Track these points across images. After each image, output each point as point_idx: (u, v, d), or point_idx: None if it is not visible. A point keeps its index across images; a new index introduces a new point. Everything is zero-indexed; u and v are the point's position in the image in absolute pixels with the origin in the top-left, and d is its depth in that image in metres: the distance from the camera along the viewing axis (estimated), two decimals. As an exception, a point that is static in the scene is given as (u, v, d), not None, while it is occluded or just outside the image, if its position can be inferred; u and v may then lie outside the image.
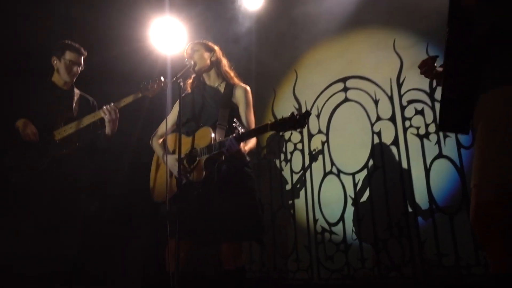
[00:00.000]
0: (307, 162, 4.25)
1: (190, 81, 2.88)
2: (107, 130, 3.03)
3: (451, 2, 1.63)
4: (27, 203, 2.83)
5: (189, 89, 2.86)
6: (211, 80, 2.80)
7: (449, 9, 1.63)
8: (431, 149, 3.50)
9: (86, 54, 3.20)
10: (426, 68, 1.93)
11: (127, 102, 3.01)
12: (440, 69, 1.92)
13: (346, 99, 4.10)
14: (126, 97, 3.02)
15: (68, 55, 3.11)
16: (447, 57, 1.67)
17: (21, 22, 3.64)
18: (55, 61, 3.14)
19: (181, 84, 2.53)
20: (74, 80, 3.21)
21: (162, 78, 3.05)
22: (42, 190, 2.85)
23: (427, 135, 3.53)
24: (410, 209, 3.55)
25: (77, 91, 3.25)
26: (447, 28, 1.66)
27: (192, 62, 2.69)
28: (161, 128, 2.90)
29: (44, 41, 3.33)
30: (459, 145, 3.33)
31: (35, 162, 2.89)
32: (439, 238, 3.31)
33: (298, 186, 4.35)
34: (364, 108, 3.95)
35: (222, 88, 2.75)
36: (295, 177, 4.34)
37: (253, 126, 2.69)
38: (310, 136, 4.25)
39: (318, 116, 4.23)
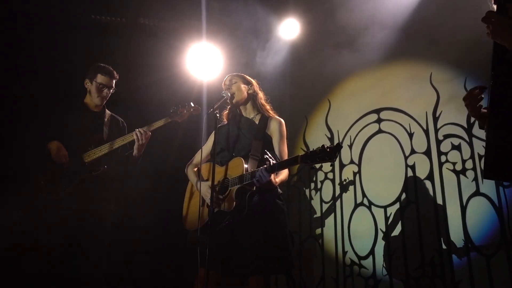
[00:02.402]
0: (337, 192, 4.20)
1: (226, 112, 2.93)
2: (135, 152, 3.09)
3: (495, 48, 1.61)
4: (55, 223, 2.89)
5: (225, 120, 2.91)
6: (247, 112, 2.84)
7: (493, 56, 1.61)
8: (468, 186, 3.40)
9: (118, 77, 3.27)
10: (469, 100, 1.84)
11: (157, 126, 3.08)
12: (485, 110, 1.87)
13: (380, 131, 4.06)
14: (156, 122, 3.09)
15: (100, 78, 3.18)
16: (491, 103, 1.64)
17: (57, 46, 3.79)
18: (88, 84, 3.23)
19: (218, 115, 2.57)
20: (105, 102, 3.27)
21: (192, 104, 3.10)
22: (70, 210, 2.91)
23: (463, 171, 3.44)
24: (444, 247, 3.43)
25: (108, 112, 3.33)
26: (491, 73, 1.63)
27: (229, 94, 2.73)
28: (197, 157, 2.94)
29: (79, 64, 3.43)
30: (498, 183, 3.22)
31: (64, 183, 2.96)
32: (475, 280, 3.19)
33: (328, 216, 4.30)
34: (398, 141, 3.90)
35: (257, 120, 2.78)
36: (325, 206, 4.29)
37: (286, 158, 2.69)
38: (342, 166, 4.22)
39: (350, 146, 4.20)
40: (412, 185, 3.72)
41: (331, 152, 2.15)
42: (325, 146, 2.17)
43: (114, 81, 3.25)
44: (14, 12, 3.71)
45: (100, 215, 3.04)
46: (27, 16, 3.73)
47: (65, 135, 3.05)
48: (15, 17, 3.70)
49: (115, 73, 3.26)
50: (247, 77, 2.90)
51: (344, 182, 4.17)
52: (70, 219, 2.89)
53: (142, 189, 3.61)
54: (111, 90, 3.25)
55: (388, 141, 3.97)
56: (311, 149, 2.25)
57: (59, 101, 3.29)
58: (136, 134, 3.02)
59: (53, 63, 3.81)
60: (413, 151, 3.78)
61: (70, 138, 3.05)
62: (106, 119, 3.25)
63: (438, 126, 3.66)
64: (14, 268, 2.94)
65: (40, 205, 2.94)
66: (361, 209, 3.99)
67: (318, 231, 4.27)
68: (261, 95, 2.87)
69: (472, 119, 3.41)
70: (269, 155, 2.43)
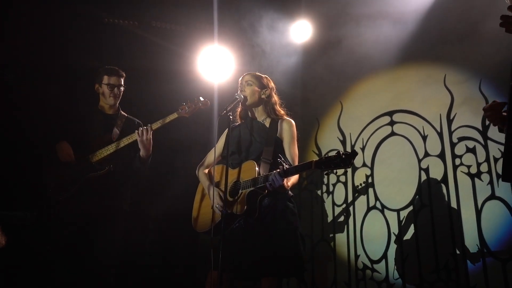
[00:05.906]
0: (349, 195, 4.17)
1: (239, 110, 2.90)
2: (141, 152, 3.07)
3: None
4: (63, 223, 2.94)
5: (238, 119, 2.89)
6: (259, 114, 2.82)
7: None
8: (483, 190, 3.35)
9: (124, 75, 3.29)
10: (491, 113, 1.84)
11: (163, 123, 3.07)
12: (505, 114, 1.84)
13: (393, 133, 4.02)
14: (162, 119, 3.08)
15: (106, 79, 3.22)
16: (511, 103, 1.61)
17: (73, 52, 3.85)
18: (98, 88, 3.27)
19: (231, 117, 2.56)
20: (118, 102, 3.30)
21: (202, 98, 3.09)
22: (78, 209, 2.93)
23: (478, 174, 3.39)
24: (458, 252, 3.38)
25: (123, 114, 3.34)
26: (511, 73, 1.61)
27: (243, 96, 2.71)
28: (208, 159, 2.94)
29: (93, 69, 3.46)
30: (514, 186, 3.17)
31: (70, 183, 2.98)
32: (490, 285, 3.13)
33: (340, 219, 4.26)
34: (412, 143, 3.85)
35: (268, 123, 2.76)
36: (337, 209, 4.26)
37: (296, 159, 2.67)
38: (354, 169, 4.18)
39: (363, 149, 4.16)
40: (426, 188, 3.67)
41: (346, 159, 2.15)
42: (341, 153, 2.17)
43: (122, 80, 3.28)
44: (26, 13, 3.77)
45: (109, 215, 3.03)
46: (40, 18, 3.78)
47: (76, 138, 3.08)
48: (29, 19, 3.75)
49: (121, 71, 3.28)
50: (265, 79, 2.84)
51: (358, 187, 4.12)
52: (78, 218, 2.91)
53: (153, 190, 3.62)
54: (121, 88, 3.27)
55: (401, 144, 3.93)
56: (323, 152, 2.24)
57: (71, 105, 3.33)
58: (138, 131, 3.02)
59: (67, 66, 3.87)
60: (426, 154, 3.73)
61: (80, 141, 3.08)
62: (120, 121, 3.26)
63: (452, 129, 3.61)
64: (25, 266, 2.97)
65: (48, 205, 2.98)
66: (373, 212, 3.95)
67: (331, 234, 4.24)
68: (275, 99, 2.82)
69: (488, 121, 3.35)
70: (282, 159, 2.42)
